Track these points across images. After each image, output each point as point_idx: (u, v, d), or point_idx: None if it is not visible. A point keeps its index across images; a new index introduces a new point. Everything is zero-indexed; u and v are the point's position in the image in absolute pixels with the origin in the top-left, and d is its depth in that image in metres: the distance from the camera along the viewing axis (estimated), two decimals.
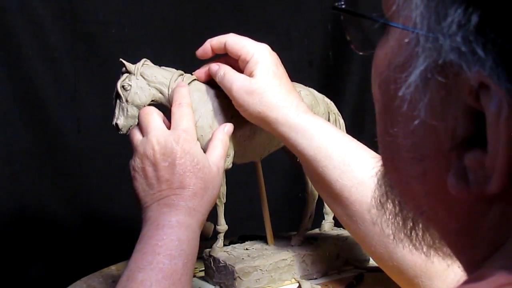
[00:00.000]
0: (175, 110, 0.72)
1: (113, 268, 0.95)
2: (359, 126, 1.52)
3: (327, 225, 0.96)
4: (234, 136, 0.78)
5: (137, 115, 0.76)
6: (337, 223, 0.95)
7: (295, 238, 0.89)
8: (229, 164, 0.79)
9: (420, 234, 0.36)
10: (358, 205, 0.67)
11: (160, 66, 0.78)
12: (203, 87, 0.79)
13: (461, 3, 0.26)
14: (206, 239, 0.85)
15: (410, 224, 0.36)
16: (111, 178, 1.26)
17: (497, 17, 0.25)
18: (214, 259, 0.84)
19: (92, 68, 1.24)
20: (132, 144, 0.71)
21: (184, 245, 0.64)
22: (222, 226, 0.85)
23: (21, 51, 1.18)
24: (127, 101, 0.75)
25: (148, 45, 1.27)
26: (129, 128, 0.76)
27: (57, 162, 1.24)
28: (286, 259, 0.85)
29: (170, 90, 0.76)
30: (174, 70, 0.79)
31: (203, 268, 0.87)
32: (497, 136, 0.26)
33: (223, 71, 0.75)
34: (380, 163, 0.37)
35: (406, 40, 0.29)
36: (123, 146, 1.25)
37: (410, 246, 0.37)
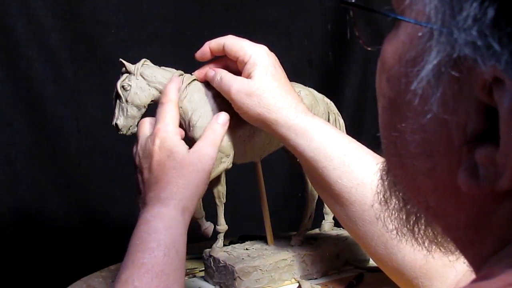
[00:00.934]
0: (157, 111, 0.73)
1: (113, 268, 0.95)
2: (359, 126, 1.52)
3: (327, 225, 0.96)
4: (234, 136, 0.78)
5: (137, 115, 0.76)
6: (337, 223, 0.95)
7: (295, 238, 0.89)
8: (229, 164, 0.79)
9: (422, 228, 0.36)
10: (358, 205, 0.67)
11: (160, 66, 0.78)
12: (203, 87, 0.79)
13: None
14: (206, 239, 0.85)
15: (413, 218, 0.36)
16: (111, 178, 1.26)
17: None
18: (214, 259, 0.84)
19: (92, 68, 1.24)
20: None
21: (161, 235, 0.63)
22: (222, 226, 0.85)
23: (21, 51, 1.18)
24: (127, 101, 0.75)
25: (148, 45, 1.27)
26: (128, 128, 0.76)
27: (57, 162, 1.24)
28: (286, 259, 0.85)
29: None
30: (174, 70, 0.79)
31: (203, 268, 0.87)
32: (510, 132, 0.26)
33: (219, 75, 0.75)
34: (383, 159, 0.37)
35: (420, 34, 0.29)
36: (123, 146, 1.25)
37: (413, 241, 0.37)
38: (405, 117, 0.31)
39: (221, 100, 0.77)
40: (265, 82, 0.72)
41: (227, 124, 0.74)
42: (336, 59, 1.52)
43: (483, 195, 0.29)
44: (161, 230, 0.63)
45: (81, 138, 1.25)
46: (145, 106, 0.76)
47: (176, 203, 0.66)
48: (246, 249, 0.87)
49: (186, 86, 0.77)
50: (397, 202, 0.37)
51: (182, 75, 0.78)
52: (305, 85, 0.86)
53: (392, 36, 0.32)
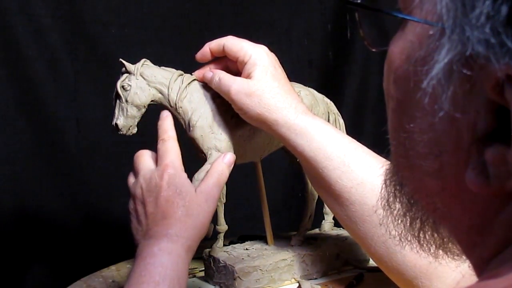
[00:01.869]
0: (159, 147, 0.71)
1: (113, 268, 0.95)
2: (359, 126, 1.52)
3: (327, 225, 0.96)
4: (234, 136, 0.78)
5: (136, 115, 0.76)
6: (337, 223, 0.95)
7: (295, 238, 0.89)
8: None
9: (428, 234, 0.36)
10: (358, 205, 0.67)
11: (160, 66, 0.78)
12: (203, 87, 0.79)
13: None
14: (206, 239, 0.85)
15: (418, 224, 0.36)
16: (111, 178, 1.26)
17: None
18: (214, 259, 0.84)
19: (92, 68, 1.24)
20: (129, 188, 0.71)
21: (168, 270, 0.63)
22: (222, 226, 0.85)
23: (21, 51, 1.18)
24: (126, 101, 0.75)
25: (148, 45, 1.27)
26: (128, 128, 0.76)
27: (57, 162, 1.24)
28: (286, 259, 0.85)
29: (170, 90, 0.76)
30: (174, 70, 0.79)
31: (203, 268, 0.87)
32: None
33: (218, 76, 0.75)
34: (387, 163, 0.37)
35: (431, 32, 0.29)
36: (123, 146, 1.25)
37: (418, 248, 0.37)
38: (414, 117, 0.31)
39: (221, 101, 0.77)
40: (265, 82, 0.72)
41: (232, 165, 0.73)
42: (336, 59, 1.52)
43: (490, 195, 0.29)
44: (167, 265, 0.63)
45: (81, 138, 1.25)
46: (145, 106, 0.76)
47: (184, 242, 0.65)
48: (246, 249, 0.87)
49: (186, 86, 0.77)
50: (400, 207, 0.37)
51: (182, 75, 0.78)
52: (305, 85, 0.86)
53: (398, 36, 0.32)
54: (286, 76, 0.75)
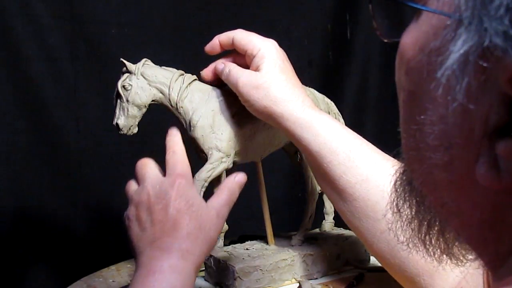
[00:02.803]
0: (168, 158, 0.69)
1: (113, 268, 0.95)
2: (359, 126, 1.52)
3: (328, 225, 0.96)
4: (235, 136, 0.78)
5: (137, 115, 0.76)
6: (337, 223, 0.95)
7: (296, 238, 0.89)
8: (229, 164, 0.79)
9: (434, 237, 0.36)
10: (361, 201, 0.67)
11: (160, 66, 0.78)
12: (203, 87, 0.79)
13: None
14: None
15: (425, 228, 0.36)
16: (111, 178, 1.26)
17: None
18: (214, 259, 0.84)
19: (92, 68, 1.24)
20: (128, 194, 0.68)
21: None
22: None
23: (21, 51, 1.18)
24: (127, 101, 0.75)
25: (148, 45, 1.27)
26: (129, 128, 0.76)
27: (57, 162, 1.24)
28: (286, 259, 0.85)
29: (171, 90, 0.76)
30: (174, 70, 0.79)
31: (203, 268, 0.87)
32: None
33: (228, 68, 0.75)
34: (396, 162, 0.36)
35: (447, 23, 0.29)
36: (123, 146, 1.25)
37: (424, 252, 0.37)
38: (425, 108, 0.31)
39: (223, 100, 0.78)
40: (272, 75, 0.72)
41: (243, 186, 0.72)
42: (336, 59, 1.52)
43: (501, 189, 0.29)
44: (175, 285, 0.59)
45: (81, 138, 1.25)
46: (145, 106, 0.76)
47: (195, 259, 0.62)
48: (247, 249, 0.87)
49: (187, 86, 0.77)
50: (409, 209, 0.36)
51: (183, 75, 0.78)
52: (305, 85, 0.86)
53: (412, 27, 0.32)
54: (293, 70, 0.76)
